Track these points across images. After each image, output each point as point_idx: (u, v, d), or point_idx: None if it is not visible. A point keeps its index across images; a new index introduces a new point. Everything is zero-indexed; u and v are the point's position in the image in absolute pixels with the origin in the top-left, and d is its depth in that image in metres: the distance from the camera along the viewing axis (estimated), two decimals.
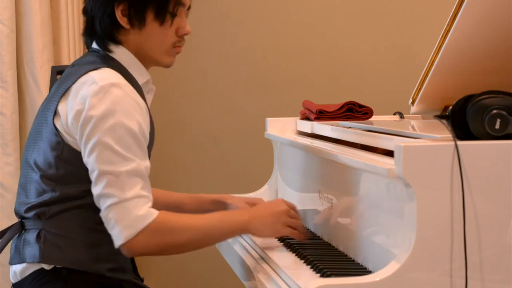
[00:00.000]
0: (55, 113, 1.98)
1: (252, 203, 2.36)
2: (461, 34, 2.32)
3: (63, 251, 1.97)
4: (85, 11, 2.07)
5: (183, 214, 2.04)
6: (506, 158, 1.69)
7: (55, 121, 1.98)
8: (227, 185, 3.56)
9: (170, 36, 2.04)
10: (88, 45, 2.09)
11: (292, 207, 2.13)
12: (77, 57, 3.04)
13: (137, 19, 2.01)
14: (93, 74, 1.95)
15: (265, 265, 2.05)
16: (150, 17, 2.01)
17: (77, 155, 1.95)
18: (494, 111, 1.69)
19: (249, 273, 2.09)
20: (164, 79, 3.58)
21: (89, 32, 2.07)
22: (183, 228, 1.94)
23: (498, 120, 1.69)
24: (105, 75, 1.95)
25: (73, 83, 1.97)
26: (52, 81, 2.77)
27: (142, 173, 1.91)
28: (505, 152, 1.69)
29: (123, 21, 2.01)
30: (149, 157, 2.07)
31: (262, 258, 2.12)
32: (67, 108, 1.95)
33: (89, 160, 1.92)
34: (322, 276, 1.84)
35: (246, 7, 3.69)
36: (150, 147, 2.02)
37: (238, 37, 3.69)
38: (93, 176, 1.91)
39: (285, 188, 2.65)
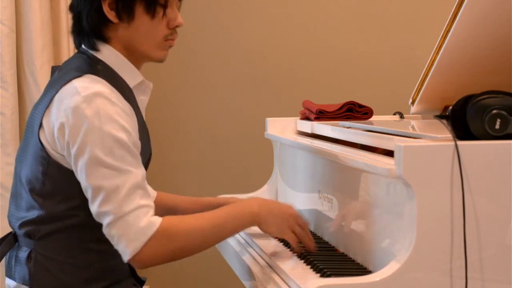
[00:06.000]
0: (40, 125, 1.91)
1: None
2: (461, 34, 2.32)
3: (53, 275, 1.92)
4: (71, 8, 1.99)
5: (187, 215, 1.95)
6: (506, 158, 1.69)
7: (40, 134, 1.91)
8: (227, 185, 3.56)
9: (161, 29, 1.95)
10: (76, 44, 2.02)
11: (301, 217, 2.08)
12: None
13: (126, 12, 1.92)
14: (76, 83, 1.87)
15: (265, 265, 2.05)
16: (139, 10, 1.92)
17: (64, 171, 1.89)
18: (494, 111, 1.69)
19: (249, 273, 2.09)
20: (164, 79, 3.58)
21: (77, 29, 1.99)
22: (189, 230, 1.87)
23: (498, 120, 1.69)
24: (87, 84, 1.87)
25: (56, 92, 1.89)
26: None
27: (139, 183, 1.84)
28: (505, 152, 1.69)
29: (110, 15, 1.92)
30: (149, 159, 2.06)
31: (261, 257, 2.12)
32: (51, 122, 1.89)
33: (81, 178, 1.85)
34: (322, 276, 1.84)
35: (247, 7, 3.69)
36: (145, 150, 1.97)
37: (238, 37, 3.69)
38: (88, 194, 1.84)
39: (285, 188, 2.65)
